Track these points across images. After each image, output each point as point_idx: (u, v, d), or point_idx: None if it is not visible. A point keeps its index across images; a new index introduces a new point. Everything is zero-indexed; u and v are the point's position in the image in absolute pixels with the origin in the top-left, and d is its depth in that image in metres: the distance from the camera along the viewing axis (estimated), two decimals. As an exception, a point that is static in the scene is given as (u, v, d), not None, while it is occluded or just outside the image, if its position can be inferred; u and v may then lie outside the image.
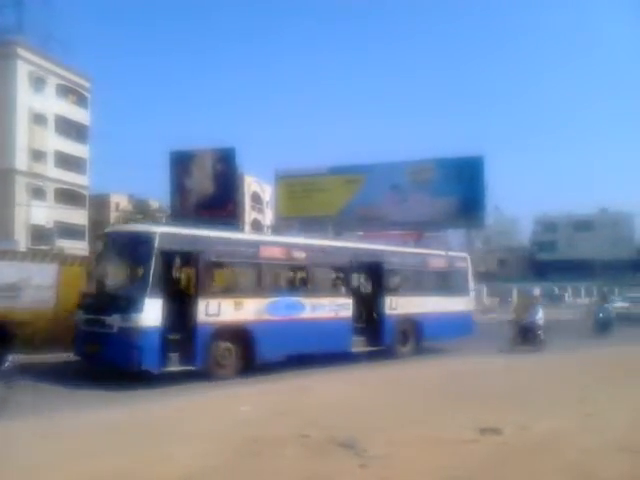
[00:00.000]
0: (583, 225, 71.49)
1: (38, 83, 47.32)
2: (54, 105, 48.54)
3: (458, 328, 16.57)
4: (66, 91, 50.51)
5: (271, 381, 11.17)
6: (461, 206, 32.16)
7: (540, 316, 17.57)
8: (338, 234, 33.77)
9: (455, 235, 45.60)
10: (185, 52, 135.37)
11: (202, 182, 38.12)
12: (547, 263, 67.60)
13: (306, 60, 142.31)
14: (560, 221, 73.83)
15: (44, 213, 46.14)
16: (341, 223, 33.71)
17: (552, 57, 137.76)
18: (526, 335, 17.22)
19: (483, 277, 51.84)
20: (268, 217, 63.57)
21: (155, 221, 55.53)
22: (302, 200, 35.45)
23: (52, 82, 48.83)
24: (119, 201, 60.42)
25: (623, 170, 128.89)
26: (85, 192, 51.89)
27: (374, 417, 7.91)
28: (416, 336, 15.68)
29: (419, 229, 35.02)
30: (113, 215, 58.58)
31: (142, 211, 57.66)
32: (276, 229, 42.56)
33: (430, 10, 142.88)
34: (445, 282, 17.24)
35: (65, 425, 7.47)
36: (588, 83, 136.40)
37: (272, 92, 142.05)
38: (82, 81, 52.05)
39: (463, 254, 19.28)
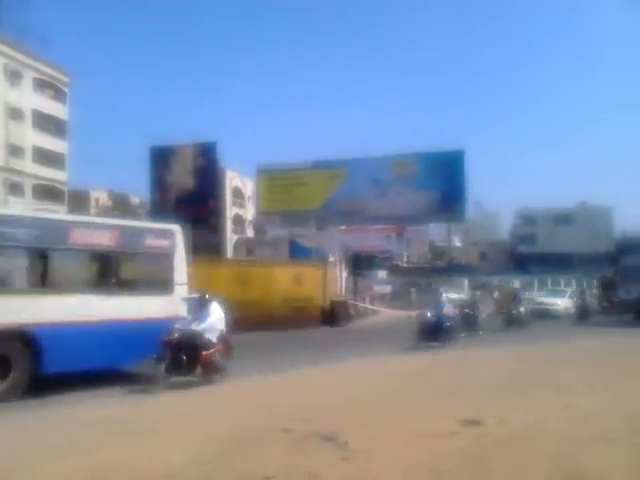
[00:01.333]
0: (562, 218, 72.28)
1: (14, 77, 46.49)
2: (31, 99, 47.79)
3: (140, 346, 9.90)
4: (43, 85, 49.74)
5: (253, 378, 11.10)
6: (442, 200, 32.37)
7: (208, 325, 10.08)
8: (320, 228, 33.91)
9: (437, 229, 46.02)
10: (165, 46, 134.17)
11: (183, 177, 37.99)
12: (527, 256, 68.21)
13: (289, 52, 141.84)
14: (540, 214, 74.53)
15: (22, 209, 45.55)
16: (323, 217, 33.81)
17: (533, 50, 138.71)
18: (176, 360, 9.71)
19: (465, 270, 52.35)
20: (250, 212, 63.35)
21: (136, 217, 55.35)
22: (284, 194, 35.43)
23: (29, 76, 48.05)
24: (99, 197, 59.82)
25: (603, 164, 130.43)
26: (64, 188, 51.24)
27: (356, 410, 7.91)
28: (27, 365, 9.09)
29: (401, 223, 35.19)
30: (93, 211, 58.05)
31: (122, 207, 57.24)
32: (258, 224, 42.49)
33: (413, 3, 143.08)
34: (119, 271, 10.85)
35: (49, 421, 7.38)
36: (568, 78, 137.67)
37: (254, 86, 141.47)
38: (60, 75, 51.25)
39: (168, 226, 11.79)
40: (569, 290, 30.93)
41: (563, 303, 27.86)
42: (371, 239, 35.91)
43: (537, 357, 13.38)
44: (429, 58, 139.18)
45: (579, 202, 72.74)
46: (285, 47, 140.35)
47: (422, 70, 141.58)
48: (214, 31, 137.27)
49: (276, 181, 36.02)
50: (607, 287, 28.40)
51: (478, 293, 22.36)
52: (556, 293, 29.90)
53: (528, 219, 75.83)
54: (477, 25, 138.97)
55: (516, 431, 6.82)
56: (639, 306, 23.72)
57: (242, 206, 65.53)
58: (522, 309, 22.10)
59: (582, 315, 24.81)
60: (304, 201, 34.56)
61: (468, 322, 18.45)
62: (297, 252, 36.04)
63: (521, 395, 8.83)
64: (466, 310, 18.92)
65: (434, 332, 15.75)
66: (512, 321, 21.30)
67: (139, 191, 52.41)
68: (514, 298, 22.83)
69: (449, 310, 17.11)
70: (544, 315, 26.01)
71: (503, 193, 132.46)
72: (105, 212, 56.11)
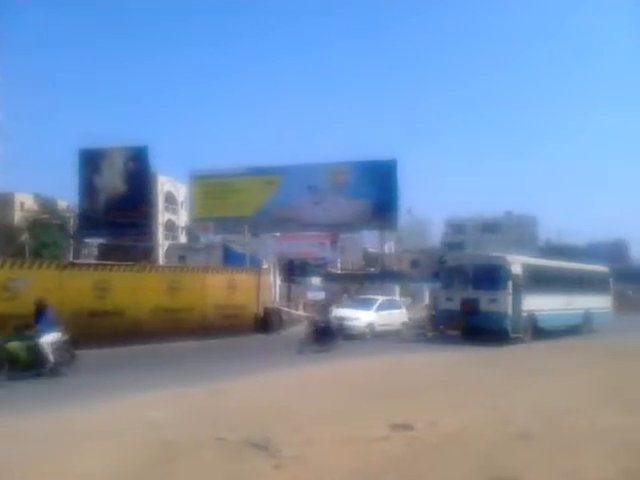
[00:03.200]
0: (490, 227, 74.88)
1: None
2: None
3: None
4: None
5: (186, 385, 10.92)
6: (375, 208, 32.92)
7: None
8: (255, 235, 33.75)
9: (370, 236, 46.67)
10: (94, 48, 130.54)
11: (113, 181, 36.98)
12: (457, 263, 70.09)
13: (222, 57, 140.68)
14: (469, 223, 76.93)
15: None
16: (258, 224, 33.66)
17: (463, 60, 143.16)
18: None
19: (397, 277, 53.29)
20: (183, 218, 62.36)
21: (63, 221, 53.35)
22: (218, 200, 35.10)
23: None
24: (24, 200, 57.29)
25: (528, 174, 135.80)
26: (-14, 191, 48.94)
27: (290, 417, 7.94)
28: None
29: (335, 230, 35.50)
30: (18, 215, 55.59)
31: (49, 211, 55.08)
32: (191, 230, 41.85)
33: (350, 10, 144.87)
34: None
35: None
36: (497, 91, 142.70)
37: (187, 91, 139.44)
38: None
39: None
40: (379, 299, 22.74)
41: (368, 317, 21.06)
42: (305, 246, 36.05)
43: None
44: (362, 67, 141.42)
45: (505, 211, 75.65)
46: (218, 52, 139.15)
47: (356, 79, 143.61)
48: (145, 33, 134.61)
49: (210, 187, 35.63)
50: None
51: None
52: (363, 304, 22.30)
53: (457, 227, 78.08)
54: (412, 36, 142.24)
55: (445, 434, 7.04)
56: (463, 318, 19.57)
57: (175, 212, 64.41)
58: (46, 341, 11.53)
59: (318, 338, 16.94)
60: (238, 207, 34.35)
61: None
62: (231, 258, 35.68)
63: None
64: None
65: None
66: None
67: (67, 195, 50.49)
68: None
69: None
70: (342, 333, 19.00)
71: (434, 201, 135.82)
72: (31, 216, 53.87)
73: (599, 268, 26.83)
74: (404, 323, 23.04)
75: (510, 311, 18.73)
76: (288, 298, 30.57)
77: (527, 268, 19.95)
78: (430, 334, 21.46)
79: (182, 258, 44.60)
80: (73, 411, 8.19)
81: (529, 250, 69.36)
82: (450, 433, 7.09)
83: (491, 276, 19.09)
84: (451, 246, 76.73)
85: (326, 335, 17.17)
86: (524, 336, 19.34)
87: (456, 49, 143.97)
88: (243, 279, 22.74)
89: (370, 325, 20.96)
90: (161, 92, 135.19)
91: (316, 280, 44.49)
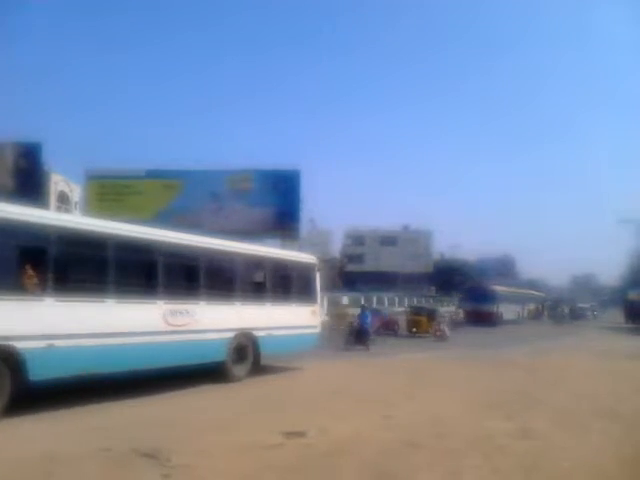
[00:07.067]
0: (388, 240, 77.21)
1: None
2: None
3: None
4: None
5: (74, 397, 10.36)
6: (277, 216, 33.10)
7: None
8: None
9: (271, 245, 46.71)
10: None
11: (1, 178, 34.85)
12: (356, 274, 71.61)
13: (121, 56, 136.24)
14: (368, 235, 78.92)
15: None
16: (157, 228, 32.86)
17: (368, 76, 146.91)
18: None
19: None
20: (77, 219, 59.61)
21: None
22: (115, 202, 33.92)
23: None
24: None
25: (423, 191, 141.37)
26: None
27: (180, 427, 7.77)
28: None
29: (236, 238, 35.26)
30: None
31: None
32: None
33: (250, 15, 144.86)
34: None
35: None
36: (398, 108, 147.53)
37: (83, 89, 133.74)
38: None
39: None
40: None
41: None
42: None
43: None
44: (267, 77, 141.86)
45: (402, 226, 78.38)
46: (117, 50, 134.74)
47: (262, 90, 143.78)
48: (39, 27, 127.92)
49: (106, 188, 34.40)
50: None
51: None
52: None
53: (357, 239, 79.89)
54: (320, 45, 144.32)
55: (336, 441, 7.15)
56: None
57: (68, 212, 61.51)
58: None
59: None
60: (137, 210, 33.32)
61: None
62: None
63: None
64: None
65: None
66: None
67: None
68: None
69: None
70: None
71: (337, 213, 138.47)
72: None
73: (288, 255, 15.46)
74: None
75: None
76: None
77: None
78: None
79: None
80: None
81: (424, 263, 72.34)
82: (342, 440, 7.20)
83: None
84: (351, 257, 78.43)
85: None
86: None
87: (361, 61, 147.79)
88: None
89: None
90: (56, 89, 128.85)
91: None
